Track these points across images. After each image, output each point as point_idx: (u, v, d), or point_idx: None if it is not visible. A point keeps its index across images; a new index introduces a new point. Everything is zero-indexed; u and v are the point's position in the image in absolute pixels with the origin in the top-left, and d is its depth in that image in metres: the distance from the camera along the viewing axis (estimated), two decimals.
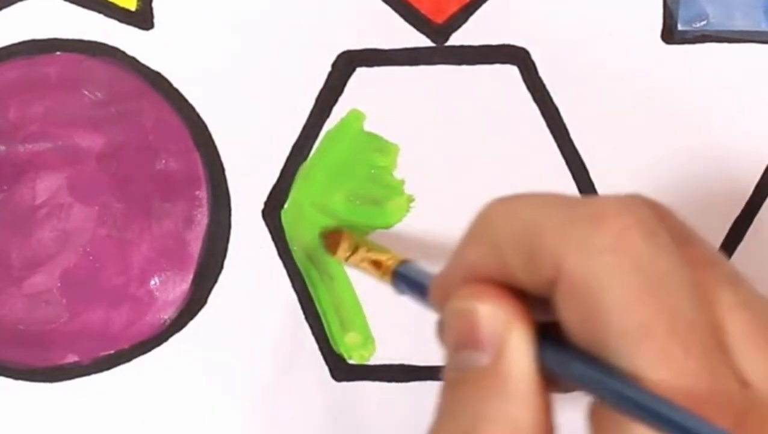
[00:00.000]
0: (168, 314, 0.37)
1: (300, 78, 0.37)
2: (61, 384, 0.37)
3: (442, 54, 0.37)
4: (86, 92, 0.37)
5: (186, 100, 0.37)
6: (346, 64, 0.37)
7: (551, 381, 0.22)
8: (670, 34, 0.36)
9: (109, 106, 0.37)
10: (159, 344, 0.37)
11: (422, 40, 0.37)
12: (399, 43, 0.37)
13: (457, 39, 0.37)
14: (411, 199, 0.37)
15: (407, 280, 0.30)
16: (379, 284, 0.36)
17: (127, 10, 0.37)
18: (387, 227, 0.37)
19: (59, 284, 0.37)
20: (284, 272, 0.37)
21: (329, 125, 0.37)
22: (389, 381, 0.37)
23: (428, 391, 0.37)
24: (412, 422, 0.37)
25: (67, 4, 0.37)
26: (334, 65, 0.37)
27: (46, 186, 0.37)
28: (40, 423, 0.37)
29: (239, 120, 0.37)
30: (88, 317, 0.37)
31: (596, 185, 0.36)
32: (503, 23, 0.36)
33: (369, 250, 0.34)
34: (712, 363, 0.20)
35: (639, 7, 0.36)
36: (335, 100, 0.37)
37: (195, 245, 0.37)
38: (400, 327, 0.37)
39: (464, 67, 0.37)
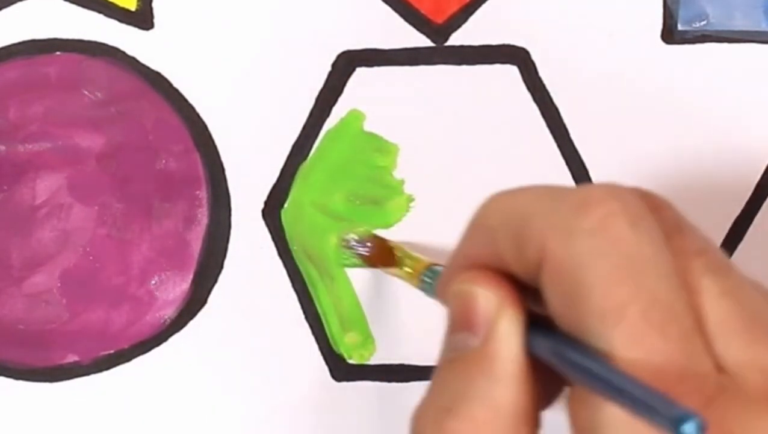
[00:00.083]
0: (168, 314, 0.37)
1: (300, 78, 0.37)
2: (61, 384, 0.37)
3: (442, 54, 0.37)
4: (86, 92, 0.37)
5: (186, 100, 0.37)
6: (346, 64, 0.37)
7: (546, 382, 0.22)
8: (670, 34, 0.36)
9: (109, 106, 0.37)
10: (159, 344, 0.37)
11: (422, 40, 0.37)
12: (399, 43, 0.37)
13: (457, 39, 0.37)
14: (411, 199, 0.37)
15: (431, 281, 0.31)
16: (379, 285, 0.36)
17: (127, 10, 0.37)
18: (387, 227, 0.37)
19: (59, 284, 0.37)
20: (284, 272, 0.37)
21: (329, 124, 0.37)
22: (389, 381, 0.37)
23: None
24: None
25: (67, 4, 0.37)
26: (334, 65, 0.37)
27: (46, 186, 0.37)
28: (40, 423, 0.37)
29: (239, 120, 0.37)
30: (88, 317, 0.37)
31: None
32: (503, 23, 0.36)
33: (407, 257, 0.34)
34: (687, 346, 0.20)
35: (639, 7, 0.36)
36: (335, 101, 0.37)
37: (195, 245, 0.37)
38: (400, 327, 0.37)
39: (464, 67, 0.37)
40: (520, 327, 0.22)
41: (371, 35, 0.36)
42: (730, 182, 0.37)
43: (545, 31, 0.36)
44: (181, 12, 0.37)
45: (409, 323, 0.36)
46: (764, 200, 0.37)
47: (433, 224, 0.36)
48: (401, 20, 0.37)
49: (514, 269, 0.23)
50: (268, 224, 0.37)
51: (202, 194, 0.37)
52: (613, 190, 0.21)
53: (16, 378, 0.37)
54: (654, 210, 0.22)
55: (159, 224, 0.37)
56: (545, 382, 0.22)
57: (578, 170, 0.36)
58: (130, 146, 0.37)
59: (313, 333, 0.37)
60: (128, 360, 0.37)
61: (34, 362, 0.37)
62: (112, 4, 0.37)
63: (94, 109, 0.37)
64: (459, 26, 0.36)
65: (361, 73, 0.37)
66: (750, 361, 0.21)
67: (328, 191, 0.37)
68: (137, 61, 0.37)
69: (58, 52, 0.37)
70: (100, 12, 0.37)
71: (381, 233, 0.37)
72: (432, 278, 0.31)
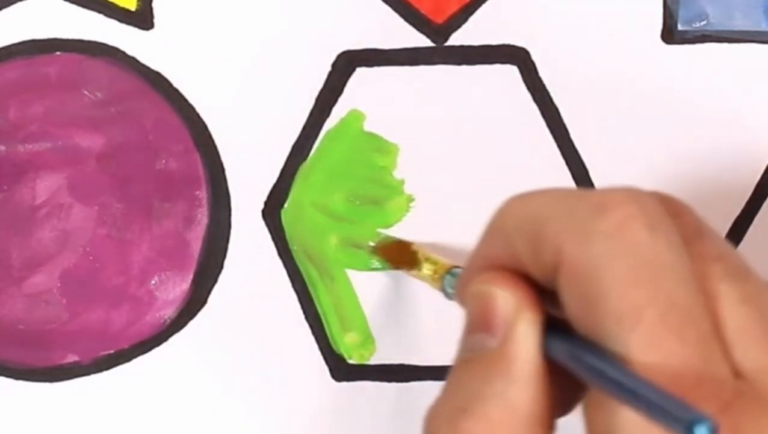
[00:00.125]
0: (168, 314, 0.37)
1: (300, 78, 0.37)
2: (61, 384, 0.37)
3: (442, 54, 0.37)
4: (86, 92, 0.37)
5: (186, 100, 0.37)
6: (346, 64, 0.37)
7: (562, 385, 0.22)
8: (670, 34, 0.36)
9: (109, 106, 0.37)
10: (159, 344, 0.37)
11: (422, 40, 0.37)
12: (399, 43, 0.37)
13: (457, 39, 0.37)
14: (411, 199, 0.37)
15: (451, 285, 0.31)
16: (379, 285, 0.36)
17: (127, 10, 0.37)
18: (387, 227, 0.37)
19: (59, 284, 0.37)
20: (284, 272, 0.37)
21: (329, 125, 0.37)
22: (389, 381, 0.37)
23: (428, 391, 0.37)
24: (413, 422, 0.37)
25: (67, 4, 0.37)
26: (334, 65, 0.37)
27: (46, 186, 0.37)
28: (40, 423, 0.37)
29: (239, 120, 0.37)
30: (88, 317, 0.37)
31: (596, 185, 0.36)
32: (503, 23, 0.36)
33: (426, 259, 0.34)
34: (705, 351, 0.20)
35: (639, 7, 0.36)
36: (335, 101, 0.37)
37: (195, 245, 0.37)
38: (400, 327, 0.37)
39: (464, 67, 0.37)
40: (537, 329, 0.22)
41: (371, 35, 0.36)
42: (730, 182, 0.37)
43: (545, 31, 0.36)
44: (181, 12, 0.37)
45: (409, 323, 0.36)
46: (764, 200, 0.37)
47: (433, 224, 0.36)
48: (401, 20, 0.37)
49: (531, 272, 0.22)
50: (268, 224, 0.37)
51: (202, 194, 0.37)
52: (631, 193, 0.21)
53: (16, 378, 0.37)
54: (674, 215, 0.22)
55: (159, 224, 0.37)
56: (563, 387, 0.22)
57: (578, 170, 0.36)
58: (130, 146, 0.37)
59: (313, 333, 0.37)
60: (128, 360, 0.37)
61: (34, 362, 0.37)
62: (112, 4, 0.37)
63: (94, 109, 0.37)
64: (459, 26, 0.36)
65: (361, 73, 0.37)
66: None
67: (328, 191, 0.37)
68: (137, 61, 0.37)
69: (58, 52, 0.37)
70: (100, 12, 0.37)
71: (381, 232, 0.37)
72: (452, 281, 0.31)
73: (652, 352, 0.20)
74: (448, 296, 0.31)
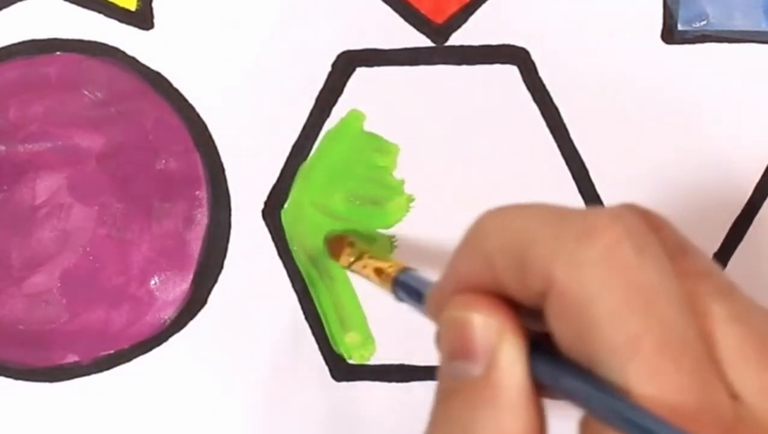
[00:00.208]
0: (168, 314, 0.37)
1: (300, 78, 0.37)
2: (61, 384, 0.37)
3: (442, 54, 0.37)
4: (86, 92, 0.37)
5: (186, 100, 0.37)
6: (346, 64, 0.37)
7: (543, 386, 0.22)
8: (670, 34, 0.36)
9: (109, 106, 0.37)
10: (159, 344, 0.37)
11: (422, 40, 0.37)
12: (399, 43, 0.37)
13: (457, 39, 0.37)
14: (411, 199, 0.37)
15: (406, 288, 0.30)
16: None
17: (127, 10, 0.37)
18: (387, 227, 0.37)
19: (59, 284, 0.37)
20: (284, 272, 0.37)
21: (329, 125, 0.37)
22: (389, 381, 0.37)
23: (428, 391, 0.36)
24: (412, 422, 0.37)
25: (67, 4, 0.37)
26: (334, 65, 0.37)
27: (46, 186, 0.37)
28: (40, 423, 0.37)
29: (239, 120, 0.37)
30: (88, 317, 0.37)
31: (596, 186, 0.36)
32: (503, 23, 0.36)
33: (371, 257, 0.34)
34: (702, 378, 0.20)
35: (639, 7, 0.36)
36: (335, 100, 0.37)
37: (195, 245, 0.37)
38: (400, 327, 0.37)
39: (464, 67, 0.37)
40: (522, 352, 0.22)
41: (371, 35, 0.36)
42: (730, 182, 0.37)
43: (545, 31, 0.36)
44: (181, 12, 0.37)
45: (409, 323, 0.36)
46: (764, 200, 0.37)
47: (433, 224, 0.36)
48: (401, 20, 0.37)
49: (513, 294, 0.22)
50: (268, 224, 0.37)
51: (202, 194, 0.37)
52: (616, 214, 0.21)
53: (16, 378, 0.37)
54: (655, 231, 0.22)
55: (159, 224, 0.37)
56: (543, 392, 0.22)
57: (578, 170, 0.36)
58: (130, 146, 0.37)
59: (313, 333, 0.37)
60: (128, 360, 0.37)
61: (34, 362, 0.37)
62: (112, 4, 0.37)
63: (94, 109, 0.37)
64: (459, 26, 0.36)
65: (361, 73, 0.37)
66: (764, 388, 0.20)
67: (328, 191, 0.37)
68: (137, 61, 0.37)
69: (58, 52, 0.37)
70: (100, 12, 0.37)
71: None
72: (405, 287, 0.30)
73: (651, 383, 0.20)
74: (400, 299, 0.31)
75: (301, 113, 0.37)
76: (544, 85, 0.36)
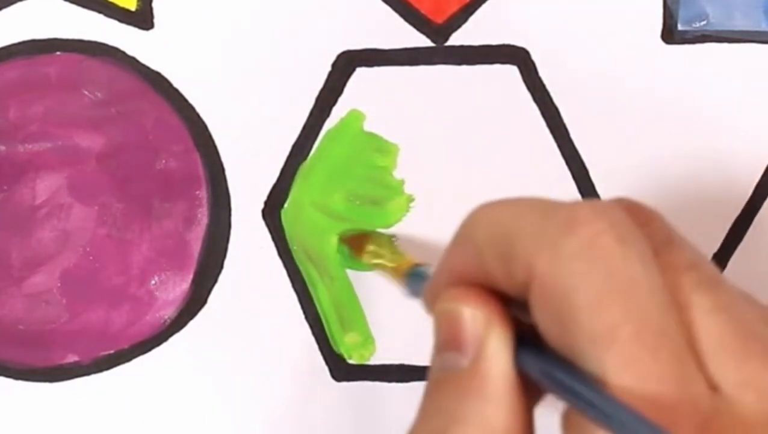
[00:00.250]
0: (168, 314, 0.37)
1: (300, 78, 0.37)
2: (61, 384, 0.37)
3: (442, 54, 0.37)
4: (86, 92, 0.37)
5: (186, 100, 0.37)
6: (346, 64, 0.37)
7: (533, 390, 0.22)
8: (670, 34, 0.36)
9: (109, 106, 0.37)
10: (159, 344, 0.37)
11: (422, 40, 0.37)
12: (399, 43, 0.37)
13: (457, 39, 0.37)
14: (411, 199, 0.37)
15: (416, 284, 0.30)
16: (378, 284, 0.36)
17: (127, 10, 0.37)
18: (387, 227, 0.37)
19: (59, 284, 0.37)
20: (284, 272, 0.37)
21: (329, 125, 0.37)
22: (389, 381, 0.37)
23: None
24: (412, 422, 0.37)
25: (67, 4, 0.37)
26: (334, 65, 0.37)
27: (46, 186, 0.37)
28: (40, 423, 0.37)
29: (239, 120, 0.37)
30: (88, 317, 0.37)
31: (596, 185, 0.36)
32: (503, 23, 0.36)
33: (392, 253, 0.34)
34: (680, 368, 0.20)
35: (639, 7, 0.36)
36: (335, 100, 0.37)
37: (195, 245, 0.37)
38: (400, 327, 0.37)
39: (464, 67, 0.37)
40: (508, 344, 0.22)
41: (371, 35, 0.36)
42: (729, 182, 0.37)
43: (545, 31, 0.36)
44: (181, 12, 0.37)
45: (409, 323, 0.36)
46: (764, 200, 0.37)
47: (433, 224, 0.36)
48: (401, 20, 0.37)
49: (501, 286, 0.22)
50: (268, 224, 0.37)
51: (202, 194, 0.37)
52: (600, 208, 0.21)
53: (16, 378, 0.37)
54: (643, 224, 0.22)
55: (159, 224, 0.37)
56: (533, 388, 0.22)
57: (578, 170, 0.36)
58: (130, 146, 0.37)
59: (313, 333, 0.37)
60: (128, 360, 0.37)
61: (34, 362, 0.37)
62: (112, 4, 0.37)
63: (94, 109, 0.37)
64: (459, 26, 0.36)
65: (361, 73, 0.37)
66: (744, 380, 0.20)
67: (328, 191, 0.37)
68: (137, 61, 0.37)
69: (58, 52, 0.37)
70: (100, 12, 0.37)
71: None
72: (416, 280, 0.30)
73: (627, 372, 0.20)
74: (412, 294, 0.31)
75: (301, 112, 0.37)
76: (544, 85, 0.36)
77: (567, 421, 0.21)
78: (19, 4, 0.37)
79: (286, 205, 0.37)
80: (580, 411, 0.20)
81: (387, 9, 0.37)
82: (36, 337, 0.37)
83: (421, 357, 0.37)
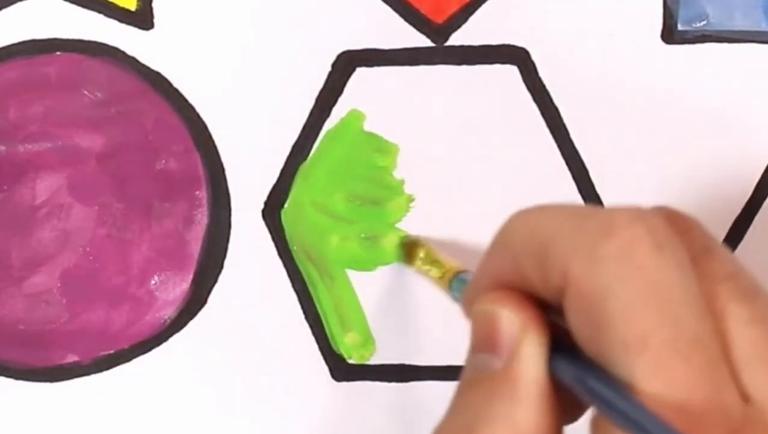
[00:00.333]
0: (168, 314, 0.37)
1: (300, 78, 0.37)
2: (61, 384, 0.37)
3: (442, 54, 0.37)
4: (86, 92, 0.37)
5: (186, 100, 0.37)
6: (346, 64, 0.37)
7: (567, 400, 0.22)
8: (670, 34, 0.36)
9: (109, 106, 0.37)
10: (159, 344, 0.37)
11: (422, 40, 0.37)
12: (399, 43, 0.37)
13: (457, 39, 0.37)
14: (411, 199, 0.37)
15: (458, 290, 0.31)
16: (379, 285, 0.36)
17: (127, 10, 0.37)
18: (387, 227, 0.37)
19: (59, 284, 0.37)
20: (284, 272, 0.37)
21: (329, 125, 0.37)
22: (389, 381, 0.37)
23: (428, 391, 0.37)
24: (412, 422, 0.37)
25: (67, 4, 0.37)
26: (334, 65, 0.37)
27: (46, 186, 0.37)
28: (40, 423, 0.37)
29: (239, 120, 0.37)
30: (88, 317, 0.37)
31: (596, 186, 0.36)
32: (503, 23, 0.36)
33: (438, 261, 0.34)
34: (712, 376, 0.20)
35: (639, 7, 0.36)
36: (335, 100, 0.37)
37: (195, 245, 0.37)
38: (400, 327, 0.37)
39: (464, 67, 0.37)
40: (543, 349, 0.22)
41: (371, 35, 0.36)
42: (730, 182, 0.37)
43: (545, 31, 0.36)
44: (181, 12, 0.37)
45: (409, 323, 0.36)
46: (764, 200, 0.37)
47: (433, 223, 0.36)
48: (401, 20, 0.37)
49: (538, 291, 0.22)
50: (268, 224, 0.37)
51: (202, 194, 0.37)
52: (638, 214, 0.21)
53: (16, 378, 0.37)
54: (682, 232, 0.22)
55: (159, 224, 0.37)
56: (570, 400, 0.22)
57: (578, 171, 0.36)
58: (130, 146, 0.37)
59: (313, 333, 0.37)
60: (128, 360, 0.37)
61: (34, 362, 0.37)
62: (112, 4, 0.37)
63: (94, 109, 0.37)
64: (459, 26, 0.36)
65: (361, 73, 0.37)
66: None
67: (328, 191, 0.37)
68: (137, 61, 0.37)
69: (58, 52, 0.37)
70: (100, 12, 0.37)
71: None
72: (459, 287, 0.31)
73: (658, 379, 0.20)
74: (455, 300, 0.31)
75: (301, 112, 0.37)
76: (544, 85, 0.36)
77: (595, 427, 0.21)
78: (19, 4, 0.37)
79: (286, 205, 0.37)
80: (609, 419, 0.20)
81: (387, 9, 0.36)
82: (36, 337, 0.37)
83: (421, 357, 0.37)
